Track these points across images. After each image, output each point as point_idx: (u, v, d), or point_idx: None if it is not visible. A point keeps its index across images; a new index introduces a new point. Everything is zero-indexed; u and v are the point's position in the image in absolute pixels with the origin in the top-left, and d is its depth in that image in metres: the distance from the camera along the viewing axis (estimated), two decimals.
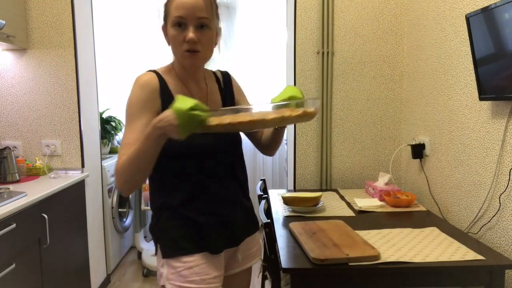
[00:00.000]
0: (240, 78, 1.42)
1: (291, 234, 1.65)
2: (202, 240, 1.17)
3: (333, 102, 2.59)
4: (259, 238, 1.38)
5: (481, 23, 1.54)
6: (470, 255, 1.42)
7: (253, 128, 1.03)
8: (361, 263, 1.35)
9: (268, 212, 1.75)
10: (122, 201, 3.31)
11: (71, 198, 2.32)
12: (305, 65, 2.56)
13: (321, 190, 2.50)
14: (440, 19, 2.07)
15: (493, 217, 1.65)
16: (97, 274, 2.71)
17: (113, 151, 3.45)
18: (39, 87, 2.48)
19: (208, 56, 1.19)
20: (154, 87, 1.16)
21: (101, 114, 3.25)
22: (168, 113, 0.97)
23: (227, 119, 0.99)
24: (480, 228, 1.73)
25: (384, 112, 2.61)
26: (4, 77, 2.47)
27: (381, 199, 2.15)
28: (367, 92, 2.59)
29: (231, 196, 1.25)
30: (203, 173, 1.19)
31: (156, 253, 1.23)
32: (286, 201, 2.03)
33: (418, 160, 2.32)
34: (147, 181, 1.21)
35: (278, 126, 1.08)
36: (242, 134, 1.31)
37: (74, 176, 2.40)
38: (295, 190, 2.60)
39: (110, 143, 3.38)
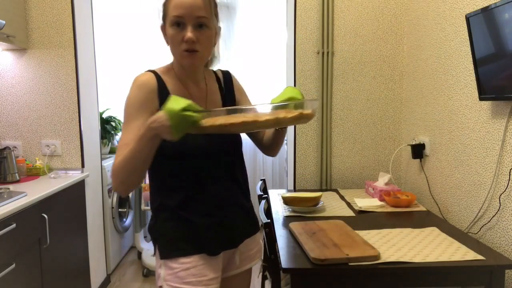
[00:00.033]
0: (240, 78, 1.41)
1: (291, 234, 1.65)
2: (200, 241, 1.16)
3: (333, 102, 2.59)
4: (259, 239, 1.37)
5: (481, 23, 1.54)
6: (470, 255, 1.42)
7: (247, 130, 1.01)
8: (361, 263, 1.35)
9: (268, 212, 1.75)
10: (122, 201, 3.31)
11: (71, 198, 2.32)
12: (305, 65, 2.56)
13: (321, 190, 2.50)
14: (440, 19, 2.07)
15: (493, 217, 1.65)
16: (97, 274, 2.71)
17: (113, 151, 3.45)
18: (39, 87, 2.48)
19: (207, 56, 1.18)
20: (151, 88, 1.15)
21: (101, 114, 3.25)
22: (160, 114, 0.96)
23: (220, 120, 0.97)
24: (480, 228, 1.73)
25: (384, 112, 2.61)
26: (4, 77, 2.47)
27: (381, 199, 2.15)
28: (367, 92, 2.59)
29: (230, 197, 1.23)
30: (201, 174, 1.18)
31: (154, 254, 1.22)
32: (286, 201, 2.03)
33: (418, 160, 2.32)
34: (147, 181, 1.21)
35: (273, 127, 1.05)
36: (243, 135, 1.29)
37: (74, 176, 2.40)
38: (295, 190, 2.60)
39: (110, 143, 3.38)
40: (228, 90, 1.31)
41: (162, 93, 1.16)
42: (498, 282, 1.37)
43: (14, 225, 1.70)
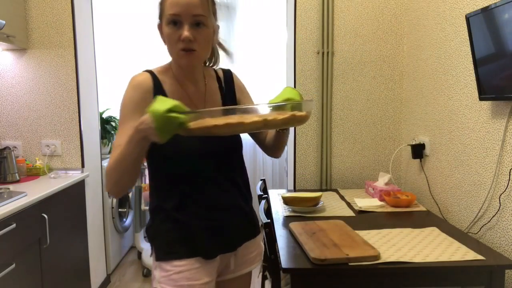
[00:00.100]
0: (240, 78, 1.39)
1: (291, 234, 1.65)
2: (195, 244, 1.14)
3: (333, 102, 2.59)
4: (260, 242, 1.33)
5: (481, 23, 1.54)
6: (470, 255, 1.42)
7: (234, 132, 0.96)
8: (361, 263, 1.35)
9: (268, 212, 1.75)
10: (122, 201, 3.31)
11: (71, 198, 2.32)
12: (305, 65, 2.56)
13: (321, 190, 2.50)
14: (440, 19, 2.07)
15: (493, 217, 1.65)
16: (97, 274, 2.71)
17: None
18: (39, 87, 2.48)
19: (205, 55, 1.15)
20: (147, 88, 1.13)
21: (101, 114, 3.25)
22: (146, 116, 0.93)
23: (206, 122, 0.91)
24: (480, 228, 1.73)
25: (384, 112, 2.61)
26: (4, 77, 2.47)
27: (381, 199, 2.15)
28: (367, 92, 2.59)
29: (228, 200, 1.20)
30: (198, 176, 1.15)
31: (151, 255, 1.22)
32: (286, 201, 2.03)
33: (418, 160, 2.32)
34: (147, 181, 1.20)
35: (263, 130, 0.99)
36: (243, 135, 1.24)
37: (74, 176, 2.40)
38: (295, 190, 2.60)
39: (110, 143, 3.38)
40: (228, 89, 1.28)
41: (158, 94, 1.12)
42: (498, 282, 1.37)
43: (14, 225, 1.70)
